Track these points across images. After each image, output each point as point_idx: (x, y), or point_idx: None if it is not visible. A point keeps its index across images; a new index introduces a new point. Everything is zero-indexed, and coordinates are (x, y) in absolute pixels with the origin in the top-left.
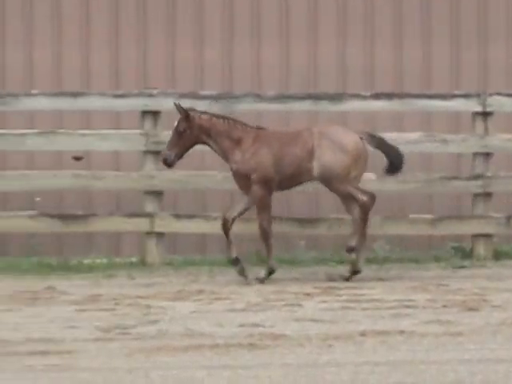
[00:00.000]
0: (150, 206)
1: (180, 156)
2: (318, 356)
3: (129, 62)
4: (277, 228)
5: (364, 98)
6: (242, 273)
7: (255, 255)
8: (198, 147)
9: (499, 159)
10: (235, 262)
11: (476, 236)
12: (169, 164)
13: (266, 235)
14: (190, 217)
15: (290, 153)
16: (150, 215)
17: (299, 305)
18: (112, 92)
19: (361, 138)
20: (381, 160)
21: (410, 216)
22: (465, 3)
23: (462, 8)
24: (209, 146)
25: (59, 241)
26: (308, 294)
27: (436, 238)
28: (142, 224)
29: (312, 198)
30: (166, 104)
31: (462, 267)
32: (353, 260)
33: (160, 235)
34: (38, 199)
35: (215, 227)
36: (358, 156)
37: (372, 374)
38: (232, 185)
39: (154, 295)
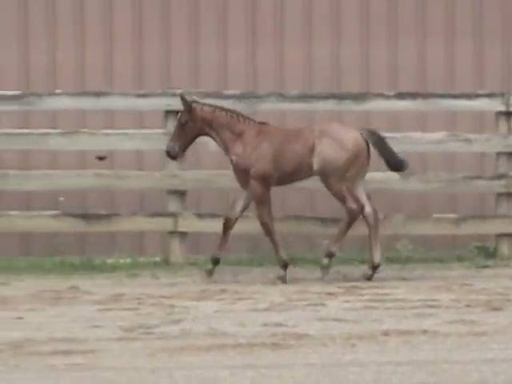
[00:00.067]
0: (173, 205)
1: (184, 148)
2: (341, 356)
3: (152, 62)
4: (300, 227)
5: (388, 97)
6: (209, 273)
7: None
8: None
9: None
10: (215, 261)
11: (499, 235)
12: (173, 156)
13: (267, 230)
14: (213, 216)
15: (290, 149)
16: (173, 215)
17: (322, 304)
18: (135, 92)
19: (361, 135)
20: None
21: (434, 216)
22: (487, 1)
23: (485, 6)
24: (211, 137)
25: (82, 240)
26: (331, 294)
27: (459, 237)
28: (165, 224)
29: None
30: None
31: (486, 267)
32: (371, 256)
33: (183, 235)
34: (61, 199)
35: (238, 227)
36: (358, 152)
37: (395, 373)
38: None
39: (178, 295)
